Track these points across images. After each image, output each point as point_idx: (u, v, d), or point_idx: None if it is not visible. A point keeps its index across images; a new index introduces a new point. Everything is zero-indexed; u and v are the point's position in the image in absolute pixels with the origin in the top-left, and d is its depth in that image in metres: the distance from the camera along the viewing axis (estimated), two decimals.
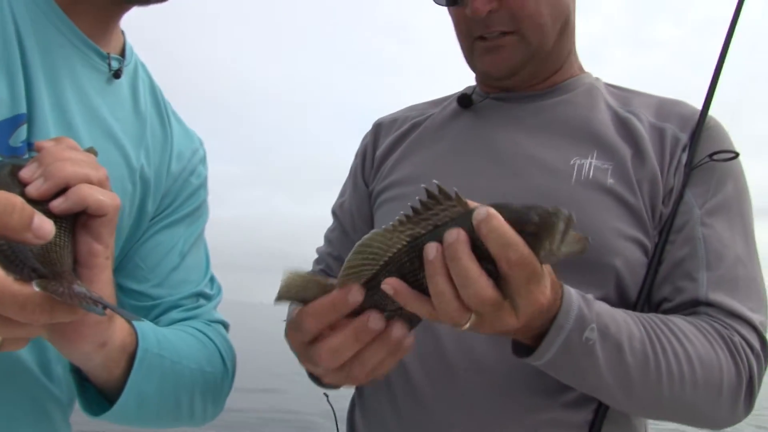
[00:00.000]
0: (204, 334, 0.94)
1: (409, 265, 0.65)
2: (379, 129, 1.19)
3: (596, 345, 0.76)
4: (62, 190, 0.61)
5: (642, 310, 0.90)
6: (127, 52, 0.93)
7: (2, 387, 0.76)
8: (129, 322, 0.77)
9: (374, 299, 0.67)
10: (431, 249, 0.62)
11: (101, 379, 0.76)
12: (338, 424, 1.07)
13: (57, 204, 0.59)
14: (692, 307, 0.90)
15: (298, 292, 0.69)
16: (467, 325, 0.64)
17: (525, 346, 0.78)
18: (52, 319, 0.53)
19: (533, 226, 0.62)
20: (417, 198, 0.63)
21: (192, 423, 0.93)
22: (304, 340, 0.71)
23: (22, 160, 0.64)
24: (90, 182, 0.62)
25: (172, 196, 0.97)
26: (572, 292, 0.76)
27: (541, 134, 1.01)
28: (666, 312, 0.91)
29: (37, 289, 0.52)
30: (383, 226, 0.65)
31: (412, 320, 0.69)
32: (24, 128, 0.75)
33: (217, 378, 0.93)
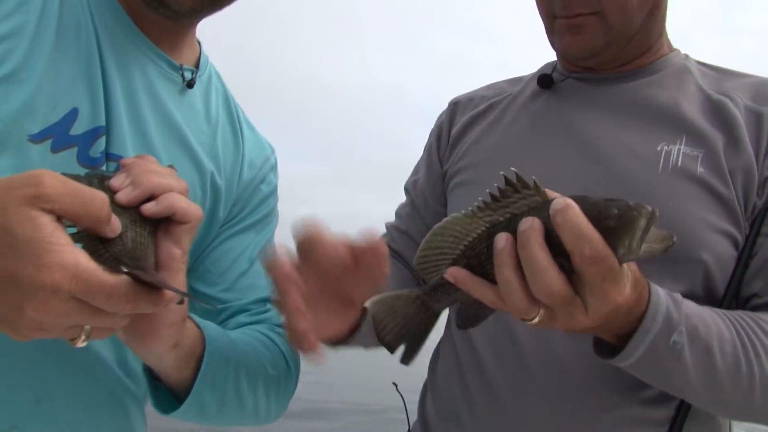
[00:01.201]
0: (269, 338, 0.95)
1: (487, 252, 0.64)
2: (455, 108, 1.16)
3: (684, 349, 0.73)
4: (148, 199, 0.64)
5: (729, 306, 0.86)
6: (202, 63, 0.96)
7: (84, 379, 0.81)
8: (197, 325, 0.80)
9: (451, 287, 0.67)
10: (501, 239, 0.61)
11: (171, 379, 0.79)
12: (408, 414, 1.07)
13: (148, 207, 0.63)
14: None
15: (392, 319, 0.69)
16: (536, 319, 0.63)
17: (607, 345, 0.76)
18: (136, 309, 0.57)
19: (612, 221, 0.59)
20: (495, 185, 0.62)
21: (257, 422, 0.95)
22: None
23: (108, 172, 0.68)
24: (173, 191, 0.65)
25: (243, 203, 1.00)
26: (660, 292, 0.73)
27: (626, 118, 0.96)
28: (755, 308, 0.86)
29: (124, 270, 0.56)
30: (462, 211, 0.65)
31: (483, 310, 0.69)
32: (103, 139, 0.79)
33: (281, 379, 0.94)
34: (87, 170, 0.77)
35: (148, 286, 0.58)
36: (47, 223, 0.52)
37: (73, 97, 0.77)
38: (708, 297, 0.86)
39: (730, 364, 0.75)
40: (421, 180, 1.17)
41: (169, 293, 0.60)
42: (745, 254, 0.86)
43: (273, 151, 1.07)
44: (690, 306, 0.76)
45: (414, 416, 1.10)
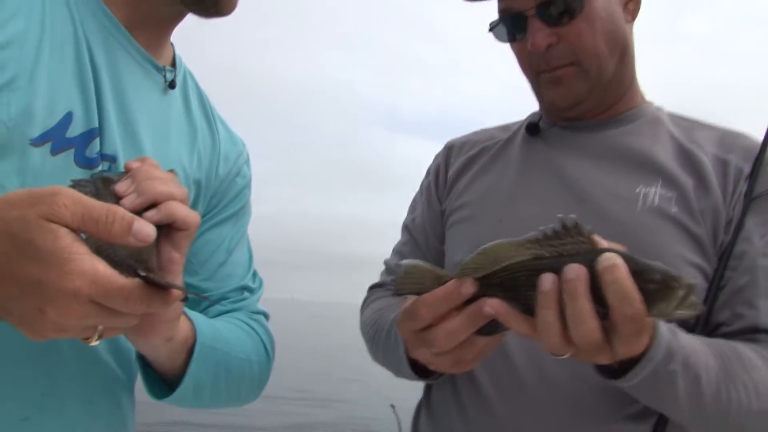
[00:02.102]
0: (249, 326, 1.02)
1: (525, 281, 0.68)
2: (450, 151, 1.25)
3: (678, 375, 0.81)
4: (152, 205, 0.69)
5: (700, 333, 0.95)
6: (177, 63, 1.00)
7: (84, 373, 0.85)
8: (189, 318, 0.86)
9: (485, 295, 0.71)
10: (547, 281, 0.66)
11: (164, 368, 0.85)
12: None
13: (150, 215, 0.67)
14: (751, 333, 0.94)
15: (414, 283, 0.75)
16: (567, 355, 0.70)
17: (608, 367, 0.82)
18: (149, 309, 0.62)
19: (654, 285, 0.65)
20: (551, 226, 0.67)
21: (238, 403, 1.03)
22: (416, 328, 0.78)
23: (114, 175, 0.72)
24: (175, 199, 0.70)
25: (220, 197, 1.04)
26: (663, 327, 0.81)
27: (607, 162, 1.06)
28: (723, 336, 0.96)
29: (141, 274, 0.61)
30: (510, 239, 0.69)
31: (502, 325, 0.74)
32: (97, 140, 0.82)
33: (262, 366, 1.02)
34: (84, 170, 0.81)
35: (159, 288, 0.63)
36: (66, 234, 0.57)
37: (68, 101, 0.79)
38: (681, 325, 0.94)
39: (713, 390, 0.85)
40: (420, 218, 1.24)
41: (175, 292, 0.66)
42: (714, 286, 0.96)
43: (244, 146, 1.12)
44: (685, 337, 0.85)
45: None
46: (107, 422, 0.89)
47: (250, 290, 1.07)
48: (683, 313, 0.66)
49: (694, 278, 0.96)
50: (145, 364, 0.86)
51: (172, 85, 0.95)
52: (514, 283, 0.70)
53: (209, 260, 1.03)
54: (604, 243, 0.68)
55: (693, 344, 0.86)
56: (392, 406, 1.06)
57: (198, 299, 1.01)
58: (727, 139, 1.07)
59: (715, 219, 0.99)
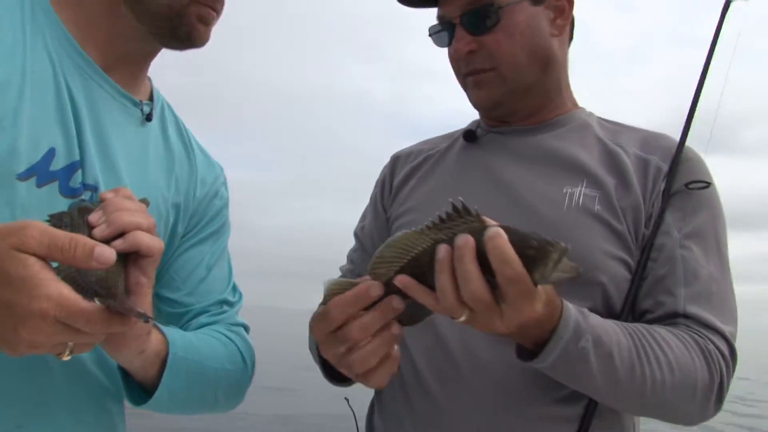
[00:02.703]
0: (226, 336, 1.10)
1: (428, 264, 0.76)
2: (396, 161, 1.34)
3: (590, 353, 0.89)
4: (121, 233, 0.76)
5: (626, 320, 1.03)
6: (155, 95, 1.09)
7: (73, 384, 0.93)
8: (161, 332, 0.94)
9: (398, 290, 0.79)
10: (442, 249, 0.75)
11: (140, 377, 0.94)
12: (358, 424, 1.20)
13: (116, 244, 0.75)
14: (671, 318, 1.02)
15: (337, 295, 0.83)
16: (462, 318, 0.77)
17: (527, 350, 0.90)
18: (109, 330, 0.70)
19: (532, 251, 0.73)
20: (443, 209, 0.76)
21: (215, 411, 1.11)
22: (328, 330, 0.83)
23: (88, 203, 0.80)
24: (141, 229, 0.78)
25: (199, 217, 1.13)
26: (570, 307, 0.89)
27: (537, 165, 1.14)
28: (648, 322, 1.03)
29: (97, 303, 0.68)
30: (413, 228, 0.78)
31: (423, 311, 0.82)
32: (79, 172, 0.91)
33: (238, 374, 1.09)
34: (69, 199, 0.89)
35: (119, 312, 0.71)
36: (34, 263, 0.66)
37: (50, 138, 0.88)
38: (608, 313, 1.02)
39: (627, 366, 0.91)
40: (368, 226, 1.32)
41: (133, 317, 0.72)
42: (637, 277, 1.04)
43: (222, 170, 1.21)
44: (596, 318, 0.92)
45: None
46: (96, 430, 0.97)
47: (230, 303, 1.16)
48: (561, 275, 0.74)
49: (618, 270, 1.04)
50: (125, 372, 0.95)
51: (149, 117, 1.04)
52: (420, 269, 0.77)
53: (190, 276, 1.11)
54: (492, 222, 0.76)
55: (604, 324, 0.93)
56: (346, 399, 1.13)
57: (178, 313, 1.10)
58: (649, 140, 1.15)
59: (635, 215, 1.06)
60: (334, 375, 1.06)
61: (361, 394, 1.14)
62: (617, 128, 1.20)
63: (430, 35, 1.19)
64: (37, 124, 0.87)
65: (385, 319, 0.80)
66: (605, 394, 0.95)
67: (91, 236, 0.74)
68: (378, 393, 1.21)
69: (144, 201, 0.84)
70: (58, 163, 0.89)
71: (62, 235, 0.67)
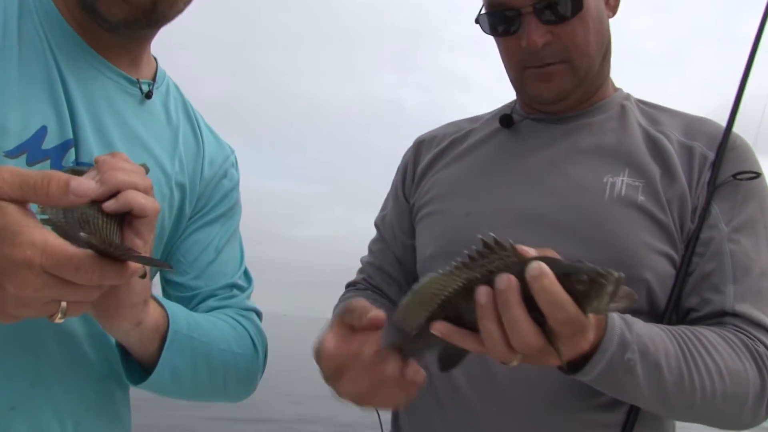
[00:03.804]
0: (235, 320, 1.06)
1: (465, 305, 0.70)
2: (420, 146, 1.25)
3: (637, 365, 0.83)
4: (115, 194, 0.72)
5: (670, 320, 0.96)
6: (159, 76, 1.06)
7: (72, 365, 0.90)
8: (162, 306, 0.90)
9: (432, 336, 0.73)
10: (482, 293, 0.68)
11: (138, 354, 0.90)
12: (383, 427, 1.13)
13: (108, 204, 0.71)
14: (718, 317, 0.95)
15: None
16: (515, 363, 0.71)
17: (570, 363, 0.84)
18: (102, 279, 0.63)
19: (582, 286, 0.66)
20: (473, 247, 0.68)
21: (227, 398, 1.06)
22: (350, 390, 0.82)
23: (83, 169, 0.76)
24: (137, 189, 0.74)
25: (207, 198, 1.10)
26: (615, 317, 0.83)
27: (575, 154, 1.06)
28: (693, 321, 0.97)
29: (83, 236, 0.62)
30: (440, 270, 0.70)
31: (461, 352, 0.76)
32: (72, 151, 0.89)
33: (247, 359, 1.05)
34: None
35: (113, 259, 0.65)
36: (14, 210, 0.61)
37: (41, 116, 0.86)
38: (651, 312, 0.96)
39: (675, 377, 0.85)
40: (389, 215, 1.25)
41: (132, 265, 0.67)
42: (682, 273, 0.97)
43: (232, 151, 1.17)
44: (641, 326, 0.85)
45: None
46: (99, 414, 0.95)
47: (240, 288, 1.12)
48: (617, 305, 0.66)
49: (662, 266, 0.96)
50: (124, 350, 0.91)
51: (148, 95, 1.01)
52: (455, 312, 0.71)
53: (198, 259, 1.08)
54: (531, 252, 0.68)
55: (651, 332, 0.86)
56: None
57: (186, 297, 1.06)
58: (692, 125, 1.07)
59: (681, 207, 0.99)
60: None
61: None
62: (656, 111, 1.12)
63: (477, 22, 1.07)
64: (27, 102, 0.85)
65: (409, 394, 0.78)
66: (652, 405, 0.89)
67: None
68: None
69: (143, 166, 0.80)
70: (51, 142, 0.87)
71: (34, 173, 0.62)
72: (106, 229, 0.70)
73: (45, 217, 0.64)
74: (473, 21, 1.10)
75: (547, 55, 1.02)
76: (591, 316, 0.71)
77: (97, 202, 0.71)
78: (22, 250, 0.60)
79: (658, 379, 0.84)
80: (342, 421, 8.84)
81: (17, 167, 0.63)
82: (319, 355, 0.83)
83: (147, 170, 0.81)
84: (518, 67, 1.07)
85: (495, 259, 0.67)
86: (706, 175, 1.00)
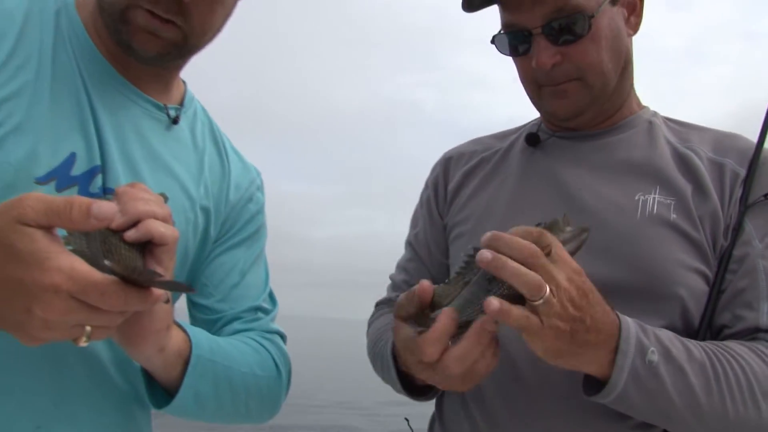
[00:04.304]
0: (258, 343, 1.06)
1: (475, 293, 0.80)
2: (448, 162, 1.26)
3: (660, 367, 0.83)
4: (135, 223, 0.75)
5: (704, 337, 0.96)
6: (187, 100, 1.08)
7: (95, 385, 0.92)
8: (185, 332, 0.92)
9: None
10: (485, 253, 0.75)
11: (161, 378, 0.91)
12: None
13: (129, 234, 0.74)
14: (751, 334, 0.94)
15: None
16: (546, 291, 0.75)
17: (595, 385, 0.86)
18: (126, 305, 0.66)
19: (541, 227, 0.81)
20: (462, 256, 0.82)
21: (249, 420, 1.07)
22: (425, 364, 0.83)
23: (105, 197, 0.79)
24: (156, 218, 0.76)
25: (232, 222, 1.11)
26: (629, 321, 0.85)
27: (605, 171, 1.06)
28: (726, 338, 0.96)
29: (107, 264, 0.65)
30: (440, 284, 0.83)
31: None
32: (99, 177, 0.91)
33: (270, 381, 1.05)
34: None
35: (137, 285, 0.67)
36: (42, 236, 0.63)
37: (71, 142, 0.89)
38: (686, 329, 0.96)
39: (702, 380, 0.85)
40: (422, 233, 1.25)
41: (156, 291, 0.69)
42: (715, 290, 0.96)
43: (258, 174, 1.18)
44: (660, 332, 0.86)
45: None
46: None
47: (264, 311, 1.12)
48: (574, 229, 0.82)
49: (696, 283, 0.97)
50: (148, 375, 0.92)
51: (175, 120, 1.03)
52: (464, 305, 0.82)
53: (223, 282, 1.09)
54: None
55: (671, 337, 0.87)
56: (406, 420, 1.10)
57: (211, 320, 1.07)
58: (722, 142, 1.06)
59: (714, 224, 0.99)
60: (412, 389, 1.05)
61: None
62: (685, 129, 1.12)
63: (493, 42, 1.09)
64: (58, 129, 0.88)
65: (482, 346, 0.79)
66: (687, 420, 0.86)
67: (106, 228, 0.72)
68: (438, 410, 1.16)
69: (163, 195, 0.83)
70: (79, 168, 0.90)
71: (58, 199, 0.64)
72: (128, 257, 0.72)
73: (70, 248, 0.66)
74: (489, 41, 1.10)
75: (559, 75, 1.03)
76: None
77: (118, 232, 0.74)
78: (50, 275, 0.62)
79: (686, 384, 0.84)
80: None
81: (43, 194, 0.65)
82: (412, 349, 0.83)
83: (166, 199, 0.83)
84: (534, 86, 1.08)
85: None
86: (738, 192, 1.00)
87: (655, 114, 1.15)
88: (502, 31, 1.07)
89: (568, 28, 0.99)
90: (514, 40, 1.06)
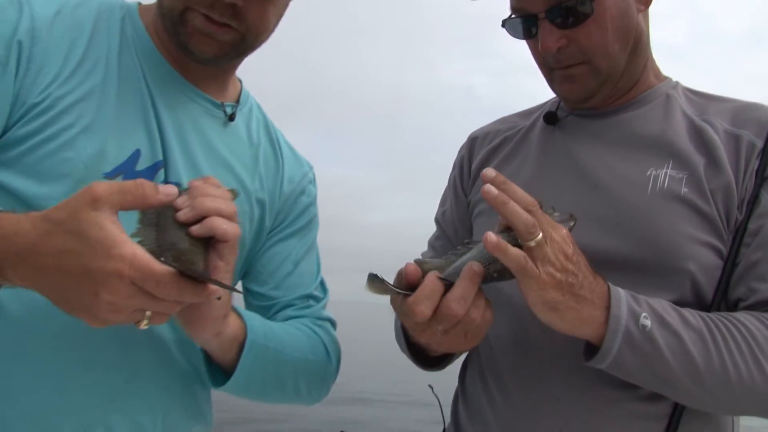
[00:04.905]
0: (310, 329, 1.12)
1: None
2: (474, 142, 1.28)
3: (654, 331, 0.85)
4: (203, 218, 0.81)
5: (718, 310, 0.95)
6: (243, 98, 1.14)
7: (162, 363, 1.00)
8: (242, 318, 0.98)
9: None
10: (488, 191, 0.81)
11: (218, 359, 0.98)
12: (444, 414, 1.19)
13: (194, 229, 0.80)
14: (765, 306, 0.93)
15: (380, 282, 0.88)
16: (539, 235, 0.80)
17: (595, 351, 0.88)
18: (180, 296, 0.72)
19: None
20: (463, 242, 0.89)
21: (300, 402, 1.13)
22: (422, 320, 0.85)
23: (180, 188, 0.85)
24: (222, 215, 0.82)
25: (285, 213, 1.17)
26: (619, 289, 0.88)
27: (620, 148, 1.07)
28: (741, 311, 0.95)
29: (161, 260, 0.71)
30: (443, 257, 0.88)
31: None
32: (162, 171, 0.98)
33: (321, 365, 1.11)
34: None
35: (193, 280, 0.73)
36: (110, 224, 0.70)
37: (136, 140, 0.96)
38: (698, 303, 0.96)
39: (700, 346, 0.86)
40: (449, 211, 1.29)
41: (211, 287, 0.76)
42: (729, 263, 0.96)
43: (311, 167, 1.24)
44: (653, 301, 0.88)
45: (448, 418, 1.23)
46: (184, 407, 1.04)
47: (316, 298, 1.18)
48: (557, 215, 0.86)
49: (707, 257, 0.97)
50: (208, 355, 0.99)
51: (231, 117, 1.09)
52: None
53: (277, 271, 1.15)
54: None
55: (665, 305, 0.89)
56: (430, 387, 1.15)
57: (266, 306, 1.13)
58: (741, 112, 1.04)
59: (727, 198, 0.97)
60: (424, 360, 1.10)
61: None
62: (705, 101, 1.10)
63: (503, 25, 1.10)
64: (124, 127, 0.96)
65: (475, 284, 0.83)
66: (687, 386, 0.88)
67: (175, 218, 0.80)
68: (462, 383, 1.19)
69: (233, 191, 0.88)
70: (143, 164, 0.97)
71: (126, 182, 0.72)
72: (191, 251, 0.78)
73: (138, 239, 0.73)
74: (500, 25, 1.12)
75: (566, 58, 1.04)
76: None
77: (185, 225, 0.80)
78: (115, 262, 0.68)
79: (683, 349, 0.86)
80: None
81: (105, 181, 0.73)
82: (407, 310, 0.86)
83: (236, 195, 0.89)
84: (545, 69, 1.10)
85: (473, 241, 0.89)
86: (755, 164, 0.98)
87: (675, 86, 1.13)
88: (512, 15, 1.09)
89: (571, 12, 1.00)
90: (523, 24, 1.07)
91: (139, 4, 1.07)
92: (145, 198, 0.73)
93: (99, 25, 0.98)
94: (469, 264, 0.84)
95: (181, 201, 0.82)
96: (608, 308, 0.86)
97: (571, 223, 0.87)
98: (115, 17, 1.01)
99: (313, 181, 1.23)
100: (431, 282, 0.84)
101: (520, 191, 0.82)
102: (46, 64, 0.91)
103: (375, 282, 0.86)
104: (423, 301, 0.83)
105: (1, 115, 0.89)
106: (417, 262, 0.87)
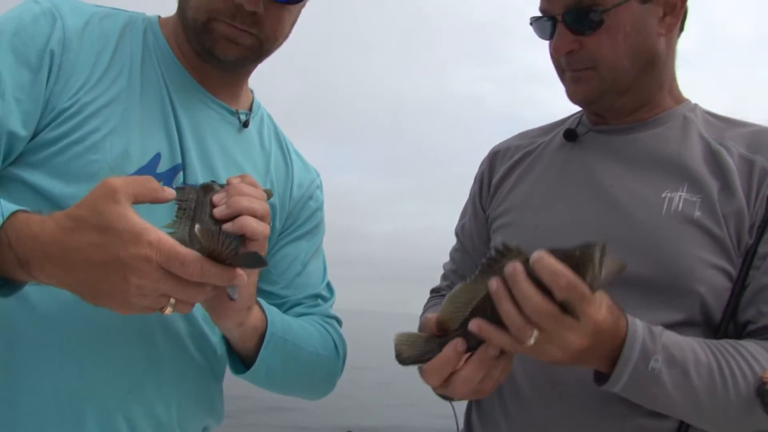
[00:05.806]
0: (321, 325, 1.18)
1: (492, 308, 0.81)
2: (495, 157, 1.32)
3: (662, 373, 0.87)
4: (237, 215, 0.86)
5: (726, 332, 0.99)
6: (254, 106, 1.21)
7: (180, 356, 1.04)
8: (264, 311, 1.03)
9: (470, 339, 0.85)
10: (493, 283, 0.79)
11: (239, 348, 1.03)
12: (457, 420, 1.22)
13: (227, 226, 0.86)
14: None
15: (407, 349, 0.89)
16: (532, 339, 0.79)
17: (605, 377, 0.91)
18: (204, 277, 0.75)
19: (576, 259, 0.77)
20: (489, 253, 0.82)
21: (310, 395, 1.18)
22: (435, 386, 0.90)
23: (216, 185, 0.91)
24: (255, 215, 0.87)
25: (294, 217, 1.22)
26: (637, 325, 0.88)
27: (637, 167, 1.10)
28: (750, 334, 0.99)
29: (196, 230, 0.76)
30: (467, 279, 0.84)
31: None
32: (181, 174, 1.04)
33: (330, 360, 1.16)
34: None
35: (219, 262, 0.76)
36: (132, 214, 0.74)
37: (157, 143, 1.02)
38: (707, 324, 0.99)
39: (706, 383, 0.89)
40: (468, 224, 1.33)
41: (237, 271, 0.78)
42: (738, 286, 0.99)
43: (318, 174, 1.30)
44: (669, 336, 0.90)
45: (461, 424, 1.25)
46: (197, 401, 1.09)
47: (323, 298, 1.23)
48: (609, 270, 0.77)
49: (717, 280, 0.99)
50: (228, 344, 1.04)
51: (245, 124, 1.15)
52: (485, 312, 0.82)
53: (287, 271, 1.20)
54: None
55: (679, 341, 0.91)
56: (449, 400, 1.19)
57: (276, 305, 1.18)
58: (758, 138, 1.07)
59: (738, 222, 1.00)
60: None
61: None
62: (724, 124, 1.13)
63: (531, 24, 1.16)
64: (147, 131, 1.02)
65: (485, 368, 0.85)
66: (687, 415, 0.92)
67: (211, 214, 0.85)
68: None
69: (267, 191, 0.94)
70: (164, 166, 1.03)
71: (140, 177, 0.79)
72: (228, 245, 0.80)
73: (170, 231, 0.78)
74: (528, 23, 1.17)
75: (575, 62, 1.10)
76: (600, 295, 0.82)
77: (221, 222, 0.86)
78: (143, 247, 0.73)
79: (689, 387, 0.88)
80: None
81: (120, 177, 0.78)
82: (424, 377, 0.89)
83: (270, 195, 0.94)
84: (559, 70, 1.15)
85: (505, 261, 0.80)
86: (766, 190, 1.01)
87: (694, 108, 1.16)
88: (537, 18, 1.14)
89: (584, 18, 1.05)
90: (545, 25, 1.13)
91: (159, 17, 1.13)
92: (155, 192, 0.78)
93: (124, 36, 1.05)
94: (483, 348, 0.83)
95: (218, 198, 0.87)
96: (622, 346, 0.87)
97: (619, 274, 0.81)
98: (138, 29, 1.07)
99: (320, 187, 1.29)
100: (445, 355, 0.85)
101: (554, 275, 0.76)
102: (75, 71, 0.97)
103: (403, 348, 0.87)
104: (434, 373, 0.86)
105: (33, 119, 0.94)
106: (429, 318, 0.88)
